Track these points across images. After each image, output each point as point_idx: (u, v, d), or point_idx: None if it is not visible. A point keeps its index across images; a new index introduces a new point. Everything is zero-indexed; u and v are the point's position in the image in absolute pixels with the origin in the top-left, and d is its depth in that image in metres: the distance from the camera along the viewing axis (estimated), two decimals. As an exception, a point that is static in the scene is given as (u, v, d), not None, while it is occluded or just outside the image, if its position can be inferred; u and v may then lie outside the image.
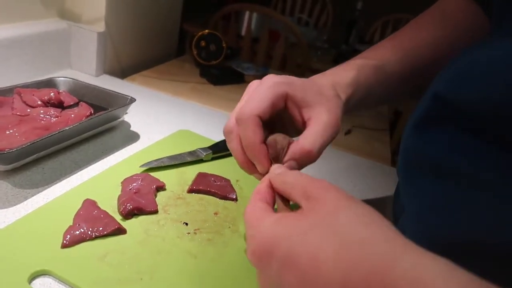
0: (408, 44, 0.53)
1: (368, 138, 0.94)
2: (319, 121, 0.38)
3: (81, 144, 0.61)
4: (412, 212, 0.40)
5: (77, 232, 0.42)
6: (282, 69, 1.73)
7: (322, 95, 0.41)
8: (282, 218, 0.28)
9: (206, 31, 1.10)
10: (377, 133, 0.99)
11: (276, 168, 0.35)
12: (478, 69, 0.34)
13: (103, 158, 0.60)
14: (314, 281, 0.23)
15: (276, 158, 0.37)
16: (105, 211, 0.46)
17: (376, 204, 0.64)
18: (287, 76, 0.41)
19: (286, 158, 0.37)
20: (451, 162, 0.36)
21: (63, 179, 0.53)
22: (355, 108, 0.48)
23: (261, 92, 0.38)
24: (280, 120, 0.42)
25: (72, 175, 0.54)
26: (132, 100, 0.64)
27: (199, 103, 0.91)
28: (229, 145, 0.41)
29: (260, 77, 1.16)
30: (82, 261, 0.40)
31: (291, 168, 0.37)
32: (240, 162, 0.40)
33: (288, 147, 0.37)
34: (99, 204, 0.47)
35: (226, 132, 0.40)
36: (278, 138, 0.38)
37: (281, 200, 0.33)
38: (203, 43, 1.09)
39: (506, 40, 0.35)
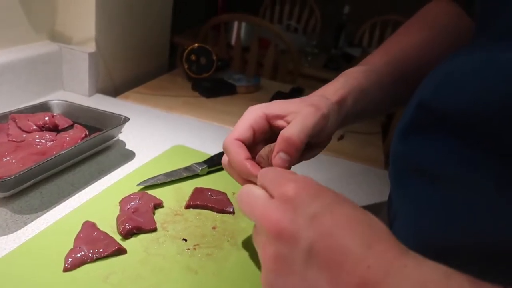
0: (394, 48, 0.54)
1: (361, 143, 0.96)
2: (298, 114, 0.42)
3: (77, 165, 0.62)
4: (404, 216, 0.41)
5: (78, 255, 0.43)
6: (274, 77, 1.74)
7: (304, 101, 0.44)
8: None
9: (196, 44, 1.11)
10: (370, 137, 1.00)
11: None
12: (459, 77, 0.35)
13: (100, 179, 0.60)
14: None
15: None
16: (104, 232, 0.47)
17: (371, 209, 0.65)
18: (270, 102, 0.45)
19: (274, 152, 0.40)
20: (438, 167, 0.37)
21: (62, 202, 0.54)
22: (358, 114, 0.48)
23: (240, 120, 0.43)
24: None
25: (70, 197, 0.55)
26: (126, 119, 0.65)
27: (192, 116, 0.92)
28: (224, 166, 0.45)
29: (251, 87, 1.17)
30: (85, 284, 0.40)
31: (282, 160, 0.39)
32: (236, 180, 0.44)
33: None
34: (99, 225, 0.48)
35: (224, 150, 0.44)
36: (262, 152, 0.41)
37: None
38: (193, 57, 1.10)
39: (486, 45, 0.36)
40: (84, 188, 0.58)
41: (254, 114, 0.43)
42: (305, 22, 2.96)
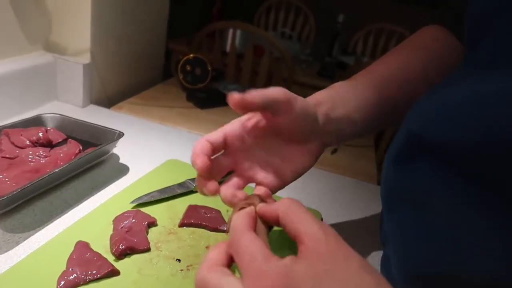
0: (380, 66, 0.54)
1: (355, 156, 0.96)
2: None
3: (70, 181, 0.61)
4: (394, 242, 0.42)
5: (71, 277, 0.43)
6: (268, 85, 1.75)
7: None
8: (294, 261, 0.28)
9: (191, 55, 1.11)
10: (363, 150, 1.01)
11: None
12: (447, 109, 0.35)
13: (93, 195, 0.60)
14: None
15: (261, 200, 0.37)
16: (97, 253, 0.47)
17: (364, 224, 0.65)
18: None
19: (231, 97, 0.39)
20: (428, 196, 0.37)
21: (55, 220, 0.54)
22: (341, 122, 0.48)
23: None
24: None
25: (63, 214, 0.55)
26: (121, 134, 0.64)
27: (187, 128, 0.92)
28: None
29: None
30: (77, 307, 0.40)
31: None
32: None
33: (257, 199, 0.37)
34: (92, 245, 0.48)
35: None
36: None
37: (264, 227, 0.34)
38: (188, 67, 1.11)
39: (473, 74, 0.37)
40: (77, 205, 0.57)
41: (230, 122, 0.44)
42: (300, 30, 2.98)
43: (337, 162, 0.91)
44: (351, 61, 2.46)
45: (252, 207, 0.35)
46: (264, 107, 0.41)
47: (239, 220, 0.33)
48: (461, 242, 0.34)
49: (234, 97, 0.38)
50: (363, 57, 2.70)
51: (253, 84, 1.74)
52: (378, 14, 3.00)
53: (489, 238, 0.32)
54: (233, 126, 0.44)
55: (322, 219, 0.64)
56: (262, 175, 0.45)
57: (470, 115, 0.33)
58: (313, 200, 0.71)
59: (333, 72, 2.21)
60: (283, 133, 0.45)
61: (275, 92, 0.41)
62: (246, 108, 0.40)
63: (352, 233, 0.63)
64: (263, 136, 0.45)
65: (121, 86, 1.06)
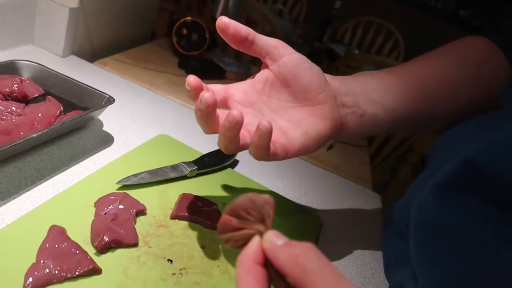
0: (416, 64, 0.51)
1: (348, 155, 0.92)
2: None
3: (44, 146, 0.52)
4: (427, 283, 0.37)
5: (43, 273, 0.35)
6: (254, 62, 1.66)
7: None
8: None
9: (189, 18, 1.01)
10: (357, 150, 0.97)
11: (272, 236, 0.25)
12: (506, 143, 0.34)
13: (71, 166, 0.51)
14: None
15: (262, 219, 0.26)
16: (76, 244, 0.39)
17: (365, 229, 0.61)
18: None
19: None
20: (475, 235, 0.34)
21: (23, 192, 0.45)
22: (366, 105, 0.45)
23: None
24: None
25: (34, 187, 0.46)
26: (111, 100, 0.55)
27: (178, 99, 0.83)
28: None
29: (241, 74, 1.09)
30: (47, 312, 0.33)
31: None
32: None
33: (266, 206, 0.27)
34: (69, 233, 0.40)
35: None
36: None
37: (278, 276, 0.25)
38: (184, 31, 1.00)
39: None
40: (52, 176, 0.49)
41: None
42: (291, 7, 2.86)
43: (331, 160, 0.86)
44: (340, 50, 2.41)
45: (257, 240, 0.25)
46: (253, 43, 0.40)
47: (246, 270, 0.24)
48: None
49: (223, 19, 0.38)
50: (351, 47, 2.64)
51: (240, 57, 1.65)
52: (374, 6, 2.95)
53: None
54: (235, 83, 0.43)
55: (321, 225, 0.59)
56: None
57: None
58: (311, 200, 0.65)
59: (321, 58, 2.15)
60: (290, 90, 0.42)
61: (269, 38, 0.41)
62: (232, 35, 0.38)
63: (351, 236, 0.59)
64: (269, 94, 0.42)
65: (108, 39, 0.94)
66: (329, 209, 0.65)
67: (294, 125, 0.41)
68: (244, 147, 0.39)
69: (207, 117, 0.36)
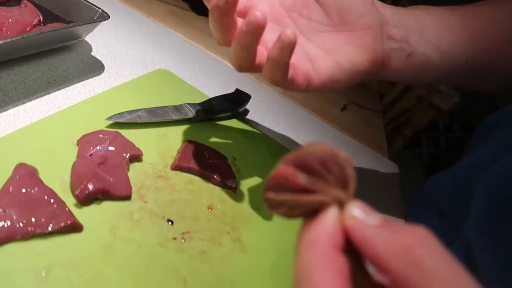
0: (480, 9, 0.43)
1: (363, 119, 0.84)
2: None
3: (16, 63, 0.41)
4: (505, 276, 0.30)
5: (2, 226, 0.26)
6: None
7: None
8: None
9: None
10: (371, 115, 0.88)
11: (361, 212, 0.17)
12: None
13: (49, 92, 0.41)
14: None
15: (344, 183, 0.18)
16: (50, 189, 0.29)
17: (384, 198, 0.54)
18: None
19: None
20: None
21: (-16, 118, 0.35)
22: (417, 44, 0.38)
23: None
24: None
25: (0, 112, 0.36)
26: (104, 16, 0.44)
27: (179, 33, 0.72)
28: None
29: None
30: (6, 278, 0.24)
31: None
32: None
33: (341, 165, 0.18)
34: (41, 175, 0.31)
35: None
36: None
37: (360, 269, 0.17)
38: (192, -43, 0.87)
39: None
40: (24, 102, 0.38)
41: None
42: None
43: (345, 122, 0.77)
44: None
45: (335, 213, 0.17)
46: None
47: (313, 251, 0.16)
48: None
49: None
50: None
51: None
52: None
53: None
54: None
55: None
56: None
57: None
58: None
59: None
60: (325, 9, 0.35)
61: None
62: None
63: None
64: (300, 11, 0.36)
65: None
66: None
67: (325, 52, 0.35)
68: (259, 68, 0.32)
69: (223, 17, 0.30)
